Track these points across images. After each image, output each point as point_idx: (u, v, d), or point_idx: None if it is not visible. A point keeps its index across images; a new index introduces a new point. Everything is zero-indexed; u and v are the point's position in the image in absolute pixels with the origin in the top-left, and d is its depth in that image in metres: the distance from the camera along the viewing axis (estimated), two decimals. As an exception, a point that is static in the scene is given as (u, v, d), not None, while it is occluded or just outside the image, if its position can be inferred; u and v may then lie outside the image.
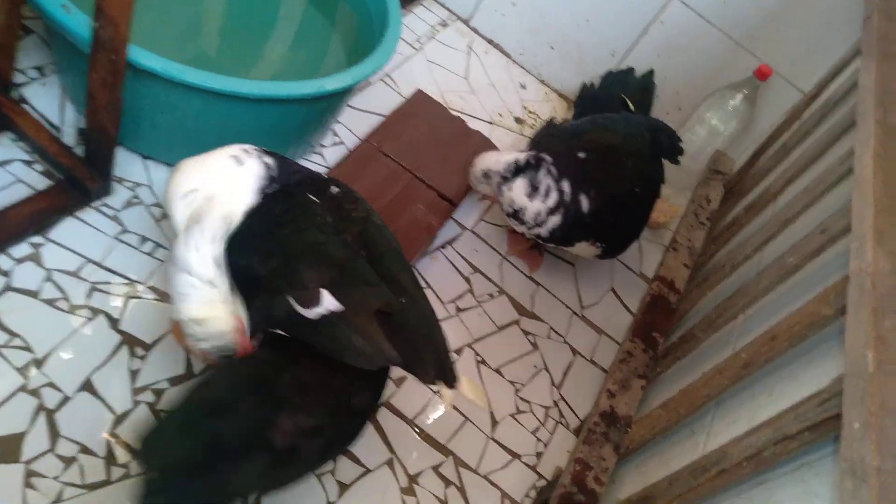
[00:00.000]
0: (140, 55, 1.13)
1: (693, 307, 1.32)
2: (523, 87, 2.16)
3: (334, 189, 1.04)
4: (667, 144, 1.59)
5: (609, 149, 1.46)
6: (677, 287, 1.40)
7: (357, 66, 1.34)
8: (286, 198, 1.00)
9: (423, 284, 1.50)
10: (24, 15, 1.24)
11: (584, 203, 1.40)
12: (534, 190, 1.40)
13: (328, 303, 0.88)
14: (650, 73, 1.84)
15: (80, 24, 1.10)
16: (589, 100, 1.76)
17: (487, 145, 1.73)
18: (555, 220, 1.42)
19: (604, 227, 1.44)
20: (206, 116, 1.28)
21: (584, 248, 1.50)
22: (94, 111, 1.18)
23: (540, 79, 2.22)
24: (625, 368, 1.20)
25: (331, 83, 1.29)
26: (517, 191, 1.42)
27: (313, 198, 0.99)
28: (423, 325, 0.94)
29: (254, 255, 0.95)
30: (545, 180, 1.40)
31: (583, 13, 2.04)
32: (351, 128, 1.72)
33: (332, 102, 1.42)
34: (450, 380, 0.93)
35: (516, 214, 1.45)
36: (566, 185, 1.40)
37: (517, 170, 1.42)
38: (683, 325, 1.34)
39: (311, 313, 0.88)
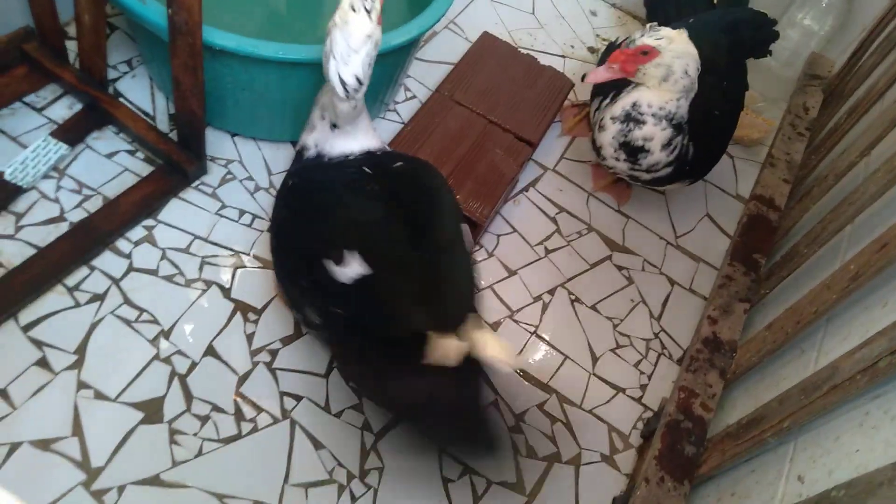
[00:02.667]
0: (214, 35, 1.17)
1: (795, 224, 1.24)
2: (594, 14, 2.07)
3: (398, 162, 1.05)
4: (751, 40, 1.46)
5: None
6: (777, 204, 1.33)
7: (419, 16, 1.33)
8: (345, 173, 1.03)
9: (508, 229, 1.52)
10: (108, 13, 1.32)
11: (691, 149, 1.33)
12: (667, 145, 1.31)
13: (357, 265, 0.90)
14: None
15: (157, 14, 1.16)
16: (661, 5, 1.65)
17: (561, 79, 1.68)
18: (666, 171, 1.36)
19: (701, 166, 1.38)
20: (283, 87, 1.32)
21: (673, 187, 1.44)
22: (181, 96, 1.25)
23: (611, 2, 2.12)
24: (725, 293, 1.16)
25: (396, 37, 1.29)
26: (658, 138, 1.30)
27: (368, 170, 1.01)
28: (451, 279, 0.95)
29: (294, 214, 1.00)
30: (677, 140, 1.31)
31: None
32: (422, 81, 1.72)
33: (399, 58, 1.42)
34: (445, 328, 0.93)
35: (634, 152, 1.33)
36: (685, 139, 1.32)
37: (670, 121, 1.28)
38: (786, 244, 1.27)
39: (344, 276, 0.91)
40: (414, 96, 1.69)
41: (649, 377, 1.39)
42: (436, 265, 0.93)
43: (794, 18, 1.73)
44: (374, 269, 0.91)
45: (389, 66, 1.44)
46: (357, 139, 1.04)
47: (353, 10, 0.94)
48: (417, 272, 0.91)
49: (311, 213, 0.97)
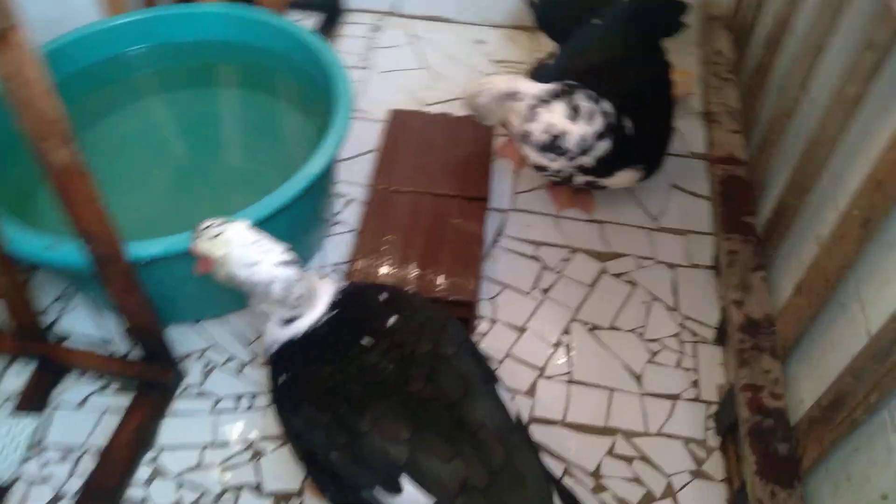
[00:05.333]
0: (141, 248, 1.11)
1: (767, 172, 1.21)
2: (482, 42, 2.06)
3: (391, 319, 0.94)
4: (665, 19, 1.45)
5: (600, 70, 1.35)
6: (739, 158, 1.30)
7: (327, 137, 1.28)
8: (337, 348, 0.93)
9: (497, 288, 1.47)
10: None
11: (628, 124, 1.30)
12: (575, 112, 1.28)
13: (412, 495, 0.82)
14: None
15: (70, 254, 1.09)
16: (551, 12, 1.63)
17: (478, 123, 1.65)
18: (604, 146, 1.30)
19: (645, 146, 1.35)
20: (224, 261, 1.26)
21: (625, 176, 1.40)
22: (129, 317, 1.17)
23: (493, 24, 2.10)
24: (737, 270, 1.12)
25: (315, 166, 1.24)
26: (556, 113, 1.29)
27: (366, 341, 0.91)
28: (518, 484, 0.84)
29: (314, 431, 0.89)
30: (585, 103, 1.28)
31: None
32: (352, 179, 1.67)
33: (324, 179, 1.37)
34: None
35: (554, 142, 1.31)
36: (608, 106, 1.29)
37: (554, 94, 1.30)
38: (768, 194, 1.24)
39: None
40: (351, 199, 1.64)
41: (696, 370, 1.34)
42: (503, 473, 0.83)
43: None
44: (437, 496, 0.83)
45: (319, 192, 1.38)
46: (316, 300, 0.97)
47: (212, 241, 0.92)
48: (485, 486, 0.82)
49: (333, 428, 0.87)
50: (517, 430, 0.89)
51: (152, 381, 1.27)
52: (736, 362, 1.01)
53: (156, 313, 1.20)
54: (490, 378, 0.94)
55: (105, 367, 1.29)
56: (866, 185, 0.81)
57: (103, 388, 1.30)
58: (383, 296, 0.98)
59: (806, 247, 1.07)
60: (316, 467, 0.94)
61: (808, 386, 0.98)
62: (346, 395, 0.87)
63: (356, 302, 0.98)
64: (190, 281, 1.26)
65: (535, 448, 0.91)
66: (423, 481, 0.83)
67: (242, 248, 0.90)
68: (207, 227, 0.94)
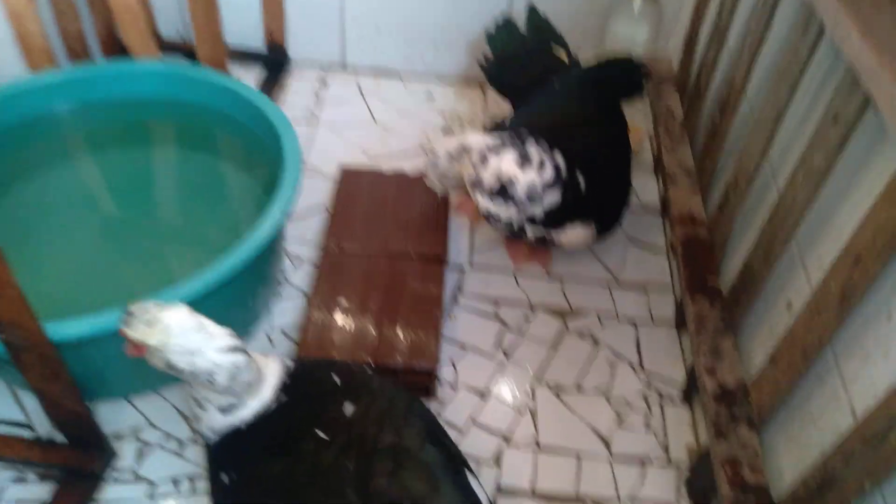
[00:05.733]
0: (62, 329, 1.00)
1: (728, 234, 1.21)
2: (431, 97, 2.03)
3: (349, 408, 0.85)
4: (624, 84, 1.46)
5: (555, 128, 1.34)
6: (698, 218, 1.29)
7: (276, 196, 1.21)
8: (289, 443, 0.83)
9: (459, 352, 1.41)
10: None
11: (581, 180, 1.28)
12: (525, 160, 1.25)
13: None
14: (532, 11, 1.70)
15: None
16: (504, 71, 1.62)
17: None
18: (553, 198, 1.28)
19: (599, 204, 1.33)
20: (164, 333, 1.15)
21: (577, 231, 1.37)
22: (52, 404, 1.05)
23: (442, 78, 2.09)
24: (706, 335, 1.10)
25: (263, 231, 1.16)
26: (507, 160, 1.26)
27: (322, 434, 0.82)
28: None
29: None
30: (536, 151, 1.25)
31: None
32: (302, 240, 1.59)
33: (273, 243, 1.28)
34: None
35: (504, 191, 1.28)
36: (560, 159, 1.26)
37: (504, 143, 1.27)
38: (732, 256, 1.24)
39: None
40: (303, 261, 1.55)
41: (665, 433, 1.31)
42: None
43: (614, 32, 1.75)
44: None
45: (267, 255, 1.30)
46: (262, 384, 0.88)
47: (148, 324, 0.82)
48: None
49: None
50: None
51: (78, 469, 1.14)
52: (713, 434, 0.98)
53: (82, 396, 1.08)
54: (459, 466, 0.87)
55: (25, 452, 1.15)
56: (843, 259, 0.79)
57: (22, 479, 1.16)
58: (336, 378, 0.90)
59: (776, 313, 1.06)
60: None
61: (787, 458, 0.95)
62: (300, 498, 0.78)
63: (307, 386, 0.89)
64: (122, 357, 1.15)
65: None
66: None
67: (182, 335, 0.81)
68: (140, 311, 0.84)
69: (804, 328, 0.88)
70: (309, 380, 0.90)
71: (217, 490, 0.86)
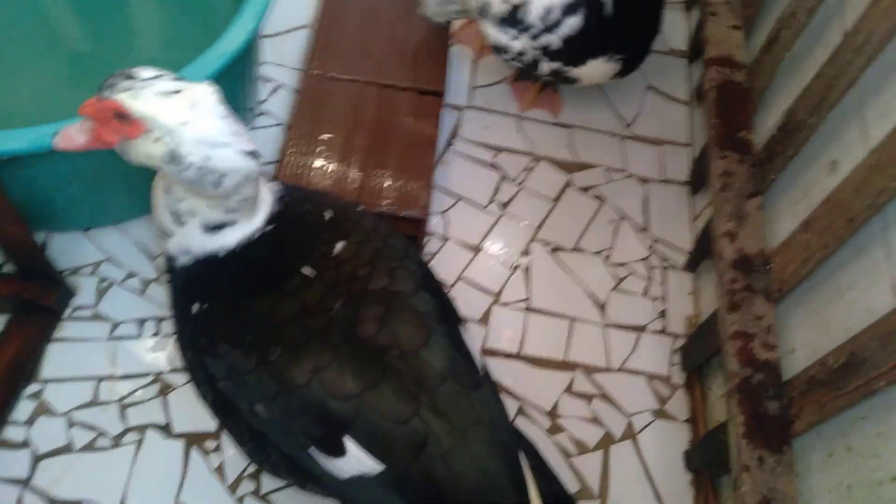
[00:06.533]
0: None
1: (772, 79, 1.04)
2: None
3: (338, 245, 0.74)
4: None
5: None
6: (738, 61, 1.11)
7: (246, 4, 1.01)
8: (272, 278, 0.72)
9: (450, 200, 1.28)
10: None
11: (607, 1, 1.08)
12: None
13: (357, 458, 0.68)
14: None
15: None
16: None
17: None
18: (573, 23, 1.10)
19: (625, 32, 1.14)
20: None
21: (598, 68, 1.19)
22: (-8, 228, 0.93)
23: None
24: (730, 195, 0.97)
25: (232, 41, 0.98)
26: None
27: (308, 271, 0.72)
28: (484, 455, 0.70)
29: (236, 379, 0.71)
30: None
31: None
32: (280, 61, 1.40)
33: (243, 59, 1.10)
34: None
35: (514, 14, 1.11)
36: None
37: None
38: (771, 106, 1.07)
39: (344, 472, 0.70)
40: (278, 85, 1.37)
41: (664, 299, 1.23)
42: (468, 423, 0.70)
43: None
44: (388, 463, 0.68)
45: (237, 73, 1.12)
46: (257, 207, 0.75)
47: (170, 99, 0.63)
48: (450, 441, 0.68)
49: (260, 377, 0.69)
50: (484, 383, 0.74)
51: (32, 303, 1.05)
52: (725, 304, 0.88)
53: (27, 228, 0.96)
54: (453, 320, 0.78)
55: (-29, 282, 1.05)
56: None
57: (-30, 308, 1.07)
58: (328, 213, 0.77)
59: (814, 173, 0.92)
60: (232, 419, 0.77)
61: (803, 335, 0.87)
62: (280, 337, 0.69)
63: (295, 218, 0.76)
64: (76, 181, 1.02)
65: (503, 407, 0.76)
66: (371, 444, 0.68)
67: (211, 120, 0.64)
68: (153, 77, 0.64)
69: (855, 190, 0.75)
70: (298, 212, 0.77)
71: (183, 321, 0.76)
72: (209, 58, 0.96)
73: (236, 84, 1.15)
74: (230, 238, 0.73)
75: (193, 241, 0.72)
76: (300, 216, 0.77)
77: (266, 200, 0.76)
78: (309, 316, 0.70)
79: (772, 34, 1.03)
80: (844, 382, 0.71)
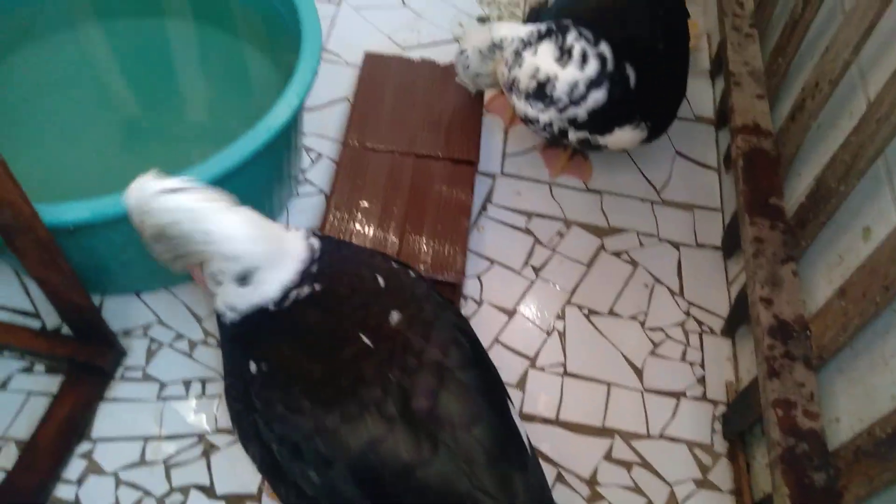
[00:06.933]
0: (61, 212, 0.91)
1: (799, 147, 1.07)
2: (468, -21, 1.83)
3: (394, 316, 0.76)
4: None
5: (603, 11, 1.17)
6: (765, 129, 1.15)
7: (293, 80, 1.08)
8: (332, 341, 0.74)
9: (485, 264, 1.31)
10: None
11: (631, 74, 1.13)
12: (565, 54, 1.12)
13: None
14: None
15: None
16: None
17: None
18: (598, 96, 1.14)
19: (650, 101, 1.19)
20: (171, 228, 1.07)
21: (624, 135, 1.23)
22: (54, 293, 0.99)
23: (480, -40, 1.87)
24: (764, 261, 0.98)
25: (277, 118, 1.05)
26: (543, 55, 1.13)
27: (366, 339, 0.73)
28: None
29: (296, 448, 0.72)
30: (578, 44, 1.11)
31: None
32: (322, 132, 1.47)
33: (287, 133, 1.17)
34: None
35: (542, 90, 1.15)
36: (606, 50, 1.12)
37: (540, 35, 1.14)
38: (800, 173, 1.10)
39: None
40: (320, 154, 1.44)
41: (702, 365, 1.22)
42: None
43: None
44: None
45: (283, 147, 1.19)
46: (286, 259, 0.77)
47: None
48: None
49: (320, 448, 0.70)
50: (529, 462, 0.75)
51: (86, 363, 1.09)
52: (765, 371, 0.89)
53: (87, 294, 1.01)
54: (502, 395, 0.80)
55: (31, 342, 1.10)
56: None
57: (29, 369, 1.12)
58: (381, 279, 0.80)
59: (849, 239, 0.93)
60: (281, 480, 0.79)
61: (846, 403, 0.86)
62: (337, 405, 0.71)
63: (347, 280, 0.79)
64: (129, 248, 1.07)
65: (546, 484, 0.77)
66: None
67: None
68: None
69: (890, 257, 0.76)
70: (349, 273, 0.80)
71: (239, 378, 0.77)
72: (258, 131, 1.03)
73: (282, 154, 1.22)
74: (270, 290, 0.76)
75: (234, 297, 0.76)
76: (353, 279, 0.79)
77: (298, 248, 0.78)
78: (365, 386, 0.72)
79: (796, 103, 1.06)
80: (893, 454, 0.71)
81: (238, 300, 0.77)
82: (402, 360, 0.73)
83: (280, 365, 0.75)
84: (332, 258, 0.80)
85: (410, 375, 0.72)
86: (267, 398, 0.74)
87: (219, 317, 0.80)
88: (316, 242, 0.81)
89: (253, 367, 0.76)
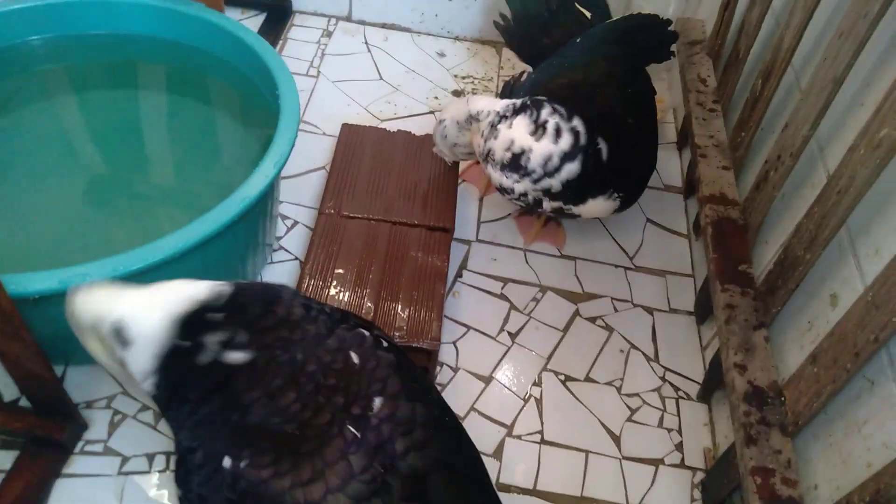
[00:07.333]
0: (22, 283, 0.89)
1: (765, 216, 1.10)
2: (442, 55, 1.90)
3: (376, 401, 0.71)
4: (650, 44, 1.35)
5: (576, 89, 1.22)
6: (731, 198, 1.18)
7: (270, 151, 1.10)
8: (314, 438, 0.68)
9: (461, 330, 1.30)
10: None
11: (604, 147, 1.16)
12: (539, 128, 1.14)
13: None
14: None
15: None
16: (524, 32, 1.49)
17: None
18: (572, 168, 1.16)
19: (622, 173, 1.22)
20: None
21: (598, 205, 1.25)
22: (14, 364, 0.95)
23: (453, 37, 1.95)
24: (736, 327, 0.99)
25: (253, 187, 1.05)
26: (518, 128, 1.15)
27: (350, 434, 0.68)
28: None
29: None
30: (552, 119, 1.14)
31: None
32: (298, 201, 1.48)
33: (264, 201, 1.17)
34: None
35: (516, 161, 1.17)
36: (580, 125, 1.15)
37: (516, 110, 1.17)
38: (765, 239, 1.13)
39: None
40: (295, 222, 1.44)
41: (679, 431, 1.21)
42: None
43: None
44: None
45: (257, 216, 1.19)
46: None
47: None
48: None
49: None
50: None
51: (44, 438, 1.04)
52: (742, 438, 0.88)
53: (51, 366, 0.98)
54: (486, 479, 0.78)
55: (-15, 417, 1.05)
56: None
57: (-19, 444, 1.07)
58: (355, 356, 0.74)
59: (817, 305, 0.95)
60: None
61: (824, 470, 0.86)
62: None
63: (326, 358, 0.73)
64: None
65: None
66: None
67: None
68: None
69: (857, 324, 0.78)
70: (326, 349, 0.73)
71: (203, 471, 0.69)
72: (234, 200, 1.03)
73: (258, 222, 1.22)
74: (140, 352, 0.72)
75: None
76: (330, 356, 0.73)
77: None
78: (355, 489, 0.68)
79: (760, 175, 1.10)
80: (871, 521, 0.70)
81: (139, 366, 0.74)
82: (385, 452, 0.70)
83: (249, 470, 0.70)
84: (254, 309, 0.76)
85: (391, 473, 0.68)
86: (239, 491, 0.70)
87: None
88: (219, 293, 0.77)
89: (227, 462, 0.69)
